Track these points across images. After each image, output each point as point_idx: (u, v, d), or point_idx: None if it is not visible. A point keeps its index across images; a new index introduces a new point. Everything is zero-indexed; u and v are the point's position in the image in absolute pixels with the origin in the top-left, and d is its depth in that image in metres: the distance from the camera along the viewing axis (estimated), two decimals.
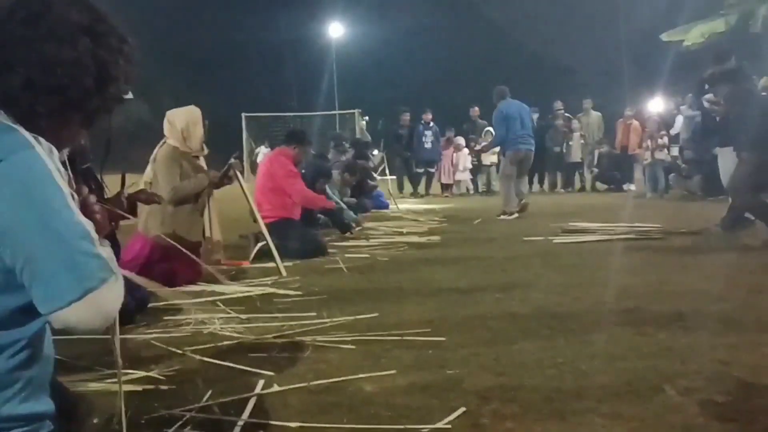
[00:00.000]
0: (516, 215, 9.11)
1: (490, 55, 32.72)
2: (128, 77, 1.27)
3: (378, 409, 2.25)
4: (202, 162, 4.94)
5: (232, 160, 5.00)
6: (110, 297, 1.13)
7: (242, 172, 5.47)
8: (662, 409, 2.20)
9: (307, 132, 7.92)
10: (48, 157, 1.12)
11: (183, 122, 4.77)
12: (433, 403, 2.28)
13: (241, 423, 2.15)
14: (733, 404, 2.22)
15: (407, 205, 12.27)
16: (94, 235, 1.14)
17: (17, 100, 1.14)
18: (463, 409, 2.21)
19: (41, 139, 1.14)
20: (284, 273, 5.04)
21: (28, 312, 1.12)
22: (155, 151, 4.82)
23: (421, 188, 16.13)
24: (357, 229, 7.60)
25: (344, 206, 7.81)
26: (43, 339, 1.19)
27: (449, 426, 2.10)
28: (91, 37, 1.18)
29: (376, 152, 14.01)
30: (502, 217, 9.18)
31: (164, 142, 4.82)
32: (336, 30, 34.65)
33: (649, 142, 13.14)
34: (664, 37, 20.44)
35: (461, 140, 16.25)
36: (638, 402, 2.26)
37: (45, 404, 1.16)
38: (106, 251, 1.16)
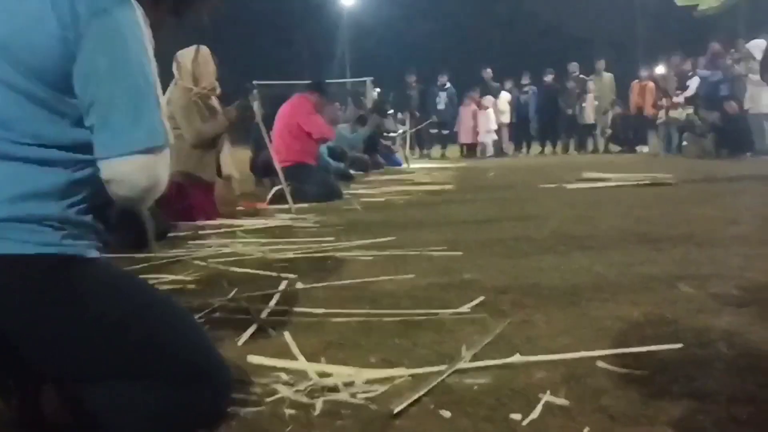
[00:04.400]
0: None
1: (505, 22, 32.50)
2: None
3: (399, 300, 2.33)
4: (214, 102, 4.90)
5: (254, 92, 5.02)
6: (163, 164, 1.22)
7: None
8: (676, 298, 2.25)
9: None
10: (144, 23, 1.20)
11: (192, 61, 4.71)
12: (452, 297, 2.34)
13: (268, 309, 2.22)
14: (748, 295, 2.27)
15: (420, 164, 12.28)
16: (165, 109, 1.22)
17: None
18: (482, 297, 2.28)
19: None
20: (293, 210, 5.12)
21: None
22: (168, 92, 4.80)
23: (437, 151, 16.05)
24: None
25: (332, 164, 7.82)
26: None
27: (469, 310, 2.16)
28: None
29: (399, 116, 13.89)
30: None
31: (175, 83, 4.80)
32: None
33: (663, 101, 13.03)
34: (678, 1, 20.09)
35: (489, 100, 15.68)
36: (653, 294, 2.31)
37: (95, 222, 1.23)
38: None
